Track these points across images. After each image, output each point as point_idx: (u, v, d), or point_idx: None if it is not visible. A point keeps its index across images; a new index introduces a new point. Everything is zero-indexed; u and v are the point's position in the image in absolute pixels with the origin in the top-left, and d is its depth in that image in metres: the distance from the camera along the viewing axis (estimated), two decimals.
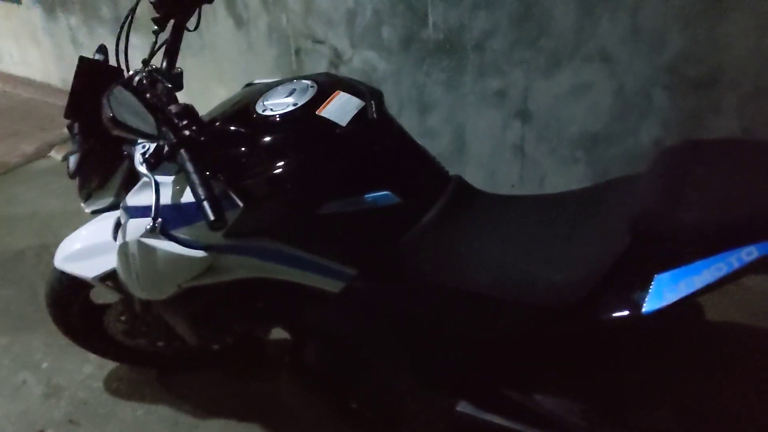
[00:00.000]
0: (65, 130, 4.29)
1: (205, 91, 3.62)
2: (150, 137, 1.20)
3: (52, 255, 2.85)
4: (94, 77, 1.49)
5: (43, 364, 2.33)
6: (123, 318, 2.02)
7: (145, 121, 1.19)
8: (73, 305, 1.97)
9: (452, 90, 2.72)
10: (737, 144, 1.18)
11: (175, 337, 2.03)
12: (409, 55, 2.78)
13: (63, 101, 4.80)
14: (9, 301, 2.63)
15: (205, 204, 1.16)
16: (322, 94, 1.36)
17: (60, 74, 4.80)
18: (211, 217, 1.16)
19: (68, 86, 4.93)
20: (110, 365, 2.28)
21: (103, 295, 1.99)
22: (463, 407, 1.44)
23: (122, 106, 1.15)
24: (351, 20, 2.91)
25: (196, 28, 1.56)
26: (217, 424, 2.03)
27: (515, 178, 2.73)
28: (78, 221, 3.03)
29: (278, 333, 2.03)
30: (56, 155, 3.85)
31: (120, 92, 1.18)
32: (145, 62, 1.51)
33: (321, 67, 3.14)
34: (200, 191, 1.18)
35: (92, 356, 2.28)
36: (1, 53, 5.28)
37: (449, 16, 2.58)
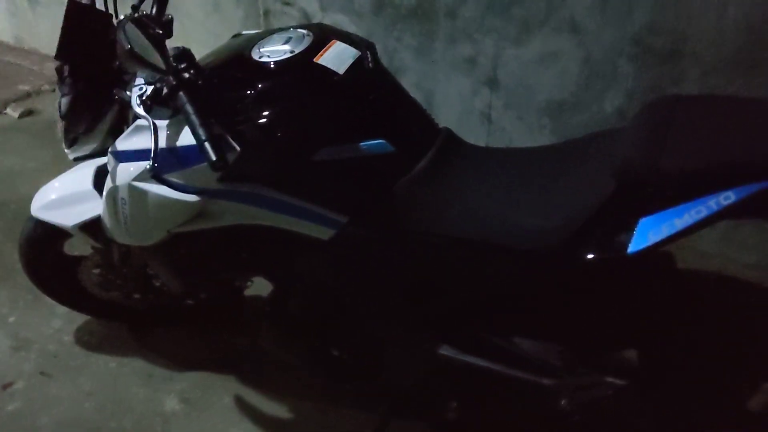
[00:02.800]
0: (20, 87, 4.17)
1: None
2: (161, 72, 1.22)
3: (12, 212, 2.83)
4: (83, 21, 1.48)
5: (9, 318, 2.30)
6: (98, 270, 2.02)
7: (154, 58, 1.20)
8: (47, 256, 1.96)
9: (422, 56, 2.77)
10: (714, 99, 1.27)
11: (151, 289, 2.05)
12: (380, 19, 2.81)
13: (16, 58, 4.64)
14: None
15: (207, 144, 1.19)
16: (318, 43, 1.39)
17: (13, 31, 4.63)
18: (213, 157, 1.19)
19: (21, 44, 4.75)
20: (79, 320, 2.27)
21: (77, 247, 1.99)
22: (444, 350, 1.51)
23: (133, 42, 1.16)
24: None
25: None
26: (193, 376, 2.05)
27: (482, 144, 2.80)
28: (38, 177, 2.98)
29: (254, 289, 2.07)
30: (12, 112, 3.74)
31: (131, 28, 1.19)
32: (135, 8, 1.51)
33: None
34: (201, 132, 1.21)
35: (60, 311, 2.27)
36: None
37: None
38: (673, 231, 1.11)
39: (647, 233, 1.13)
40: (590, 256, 1.20)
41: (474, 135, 2.79)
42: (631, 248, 1.14)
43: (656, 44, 2.21)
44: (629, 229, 1.15)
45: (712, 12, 2.05)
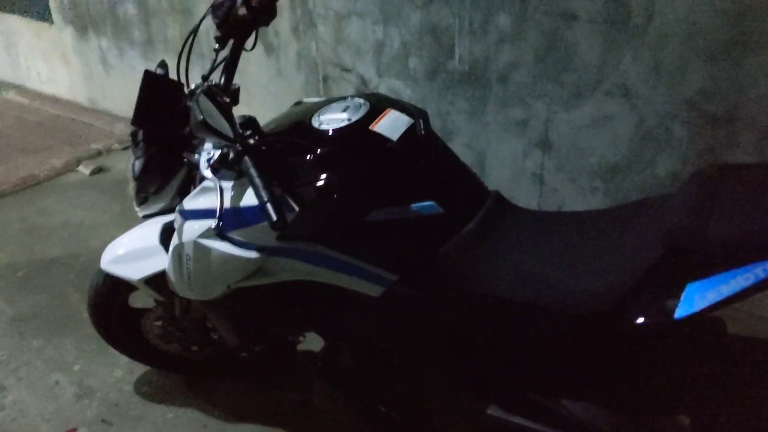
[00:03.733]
0: (92, 146, 4.43)
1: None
2: (229, 140, 1.31)
3: (81, 264, 2.98)
4: (157, 90, 1.60)
5: (75, 366, 2.41)
6: (159, 322, 2.11)
7: (223, 127, 1.30)
8: (113, 307, 2.05)
9: (475, 118, 2.84)
10: (762, 167, 1.28)
11: (209, 342, 2.12)
12: (434, 84, 2.91)
13: (89, 119, 4.97)
14: (42, 307, 2.71)
15: (269, 205, 1.27)
16: (374, 111, 1.48)
17: (87, 93, 4.94)
18: (274, 218, 1.26)
19: (95, 105, 5.08)
20: (140, 370, 2.36)
21: (141, 300, 2.08)
22: (492, 411, 1.51)
23: (205, 113, 1.26)
24: (379, 50, 3.05)
25: (252, 48, 1.68)
26: (246, 429, 2.10)
27: (534, 204, 2.83)
28: (107, 231, 3.15)
29: (306, 345, 2.12)
30: (84, 170, 3.97)
31: (203, 100, 1.29)
32: (205, 77, 1.63)
33: (347, 93, 3.26)
34: (264, 194, 1.29)
35: (122, 360, 2.36)
36: (29, 71, 5.43)
37: (475, 49, 2.72)
38: (720, 297, 1.12)
39: (694, 299, 1.14)
40: (639, 320, 1.21)
41: (526, 196, 2.83)
42: (678, 313, 1.15)
43: (710, 109, 2.23)
44: (676, 294, 1.16)
45: (766, 79, 2.07)
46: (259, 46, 3.62)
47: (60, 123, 4.73)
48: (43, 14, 4.91)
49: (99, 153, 4.21)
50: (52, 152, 4.20)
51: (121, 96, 4.62)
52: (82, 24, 4.64)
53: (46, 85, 5.35)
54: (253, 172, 1.32)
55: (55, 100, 5.16)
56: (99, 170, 3.99)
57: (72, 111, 4.91)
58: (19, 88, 5.48)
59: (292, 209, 1.38)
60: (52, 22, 4.89)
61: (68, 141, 4.38)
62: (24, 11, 5.08)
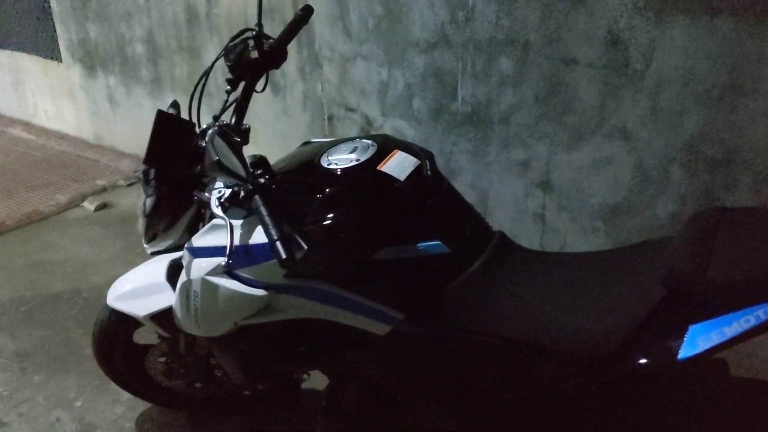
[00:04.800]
0: (97, 182, 4.46)
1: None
2: (241, 180, 1.34)
3: (84, 300, 2.99)
4: (169, 129, 1.63)
5: (76, 402, 2.40)
6: (163, 359, 2.11)
7: (236, 167, 1.33)
8: (117, 343, 2.06)
9: (477, 158, 2.88)
10: (760, 212, 1.31)
11: (212, 379, 2.12)
12: (437, 124, 2.96)
13: (95, 155, 5.01)
14: (44, 342, 2.72)
15: (278, 244, 1.30)
16: (382, 153, 1.51)
17: (93, 130, 5.00)
18: (283, 256, 1.29)
19: (100, 142, 5.12)
20: (141, 407, 2.35)
21: (145, 336, 2.09)
22: None
23: (220, 154, 1.29)
24: (383, 91, 3.10)
25: (263, 90, 1.73)
26: None
27: (536, 244, 2.85)
28: (110, 267, 3.15)
29: (310, 383, 2.12)
30: (88, 205, 4.00)
31: (218, 142, 1.33)
32: (216, 117, 1.67)
33: (352, 132, 3.32)
34: (273, 232, 1.31)
35: (124, 397, 2.36)
36: (36, 108, 5.51)
37: (477, 91, 2.77)
38: (722, 339, 1.14)
39: (697, 340, 1.16)
40: (642, 361, 1.23)
41: (528, 235, 2.85)
42: (681, 354, 1.17)
43: (707, 152, 2.27)
44: (679, 335, 1.18)
45: (763, 123, 2.11)
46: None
47: (66, 159, 4.78)
48: (52, 53, 5.01)
49: (104, 189, 4.25)
50: (57, 188, 4.24)
51: (127, 133, 4.68)
52: (91, 62, 4.72)
53: (52, 121, 5.42)
54: (263, 210, 1.35)
55: (61, 137, 5.22)
56: (104, 206, 4.02)
57: (78, 147, 4.96)
58: (26, 125, 5.55)
59: (301, 247, 1.40)
60: (61, 61, 4.98)
61: (73, 177, 4.42)
62: (33, 50, 5.18)
